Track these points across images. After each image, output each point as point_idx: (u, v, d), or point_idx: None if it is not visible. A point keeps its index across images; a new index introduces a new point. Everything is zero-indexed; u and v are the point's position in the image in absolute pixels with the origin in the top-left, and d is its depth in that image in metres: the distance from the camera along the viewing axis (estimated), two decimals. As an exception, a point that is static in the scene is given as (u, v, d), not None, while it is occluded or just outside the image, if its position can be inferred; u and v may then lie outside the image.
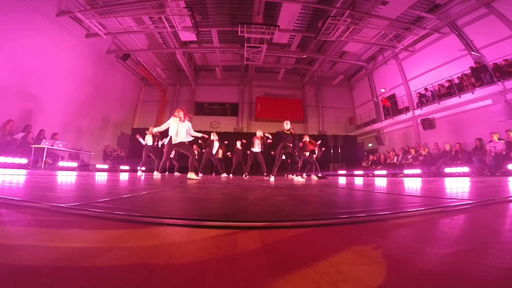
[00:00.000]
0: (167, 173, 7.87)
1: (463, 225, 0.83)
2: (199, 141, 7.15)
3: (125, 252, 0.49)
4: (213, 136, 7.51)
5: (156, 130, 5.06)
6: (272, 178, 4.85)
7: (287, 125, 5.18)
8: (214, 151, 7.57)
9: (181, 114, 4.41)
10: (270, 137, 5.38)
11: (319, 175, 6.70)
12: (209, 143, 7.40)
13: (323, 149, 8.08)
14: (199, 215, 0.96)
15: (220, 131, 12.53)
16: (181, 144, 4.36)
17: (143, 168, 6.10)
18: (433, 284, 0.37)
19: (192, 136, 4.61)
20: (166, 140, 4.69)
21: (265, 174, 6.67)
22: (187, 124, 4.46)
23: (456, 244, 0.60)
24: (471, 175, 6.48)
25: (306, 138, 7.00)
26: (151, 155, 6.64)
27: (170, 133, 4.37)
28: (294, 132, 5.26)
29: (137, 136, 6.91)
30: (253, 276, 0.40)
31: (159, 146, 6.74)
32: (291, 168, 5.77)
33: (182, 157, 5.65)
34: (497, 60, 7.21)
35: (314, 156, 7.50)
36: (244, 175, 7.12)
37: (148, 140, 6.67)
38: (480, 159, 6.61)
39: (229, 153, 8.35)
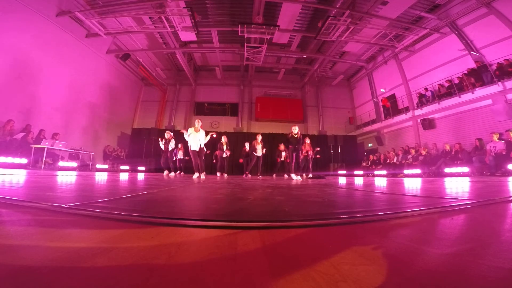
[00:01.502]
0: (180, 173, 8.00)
1: (463, 225, 0.83)
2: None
3: (125, 252, 0.49)
4: (223, 139, 8.20)
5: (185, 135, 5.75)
6: (294, 177, 5.35)
7: (295, 130, 5.78)
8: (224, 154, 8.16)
9: (197, 124, 5.46)
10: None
11: (310, 175, 6.88)
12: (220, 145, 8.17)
13: (318, 156, 8.24)
14: (199, 215, 0.96)
15: (220, 131, 12.57)
16: (194, 151, 5.42)
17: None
18: (433, 284, 0.37)
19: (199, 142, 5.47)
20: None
21: (258, 173, 7.37)
22: (199, 134, 5.44)
23: (456, 244, 0.60)
24: (471, 175, 6.48)
25: (307, 140, 7.46)
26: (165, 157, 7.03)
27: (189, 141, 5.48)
28: (300, 136, 5.90)
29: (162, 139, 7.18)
30: (254, 276, 0.40)
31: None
32: (294, 168, 6.20)
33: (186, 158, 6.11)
34: (497, 60, 7.21)
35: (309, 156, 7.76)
36: (244, 175, 7.45)
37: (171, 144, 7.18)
38: (480, 159, 6.60)
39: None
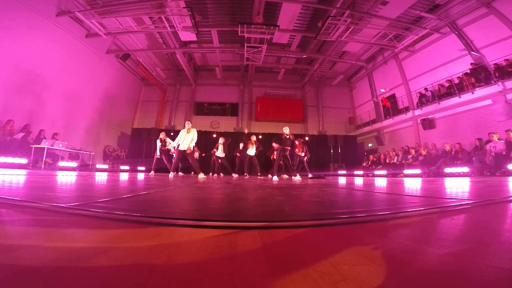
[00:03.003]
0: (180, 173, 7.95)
1: (463, 225, 0.83)
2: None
3: (125, 252, 0.49)
4: (220, 140, 8.25)
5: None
6: (275, 178, 5.04)
7: (286, 130, 5.63)
8: (219, 154, 8.21)
9: (188, 125, 5.65)
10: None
11: (310, 175, 6.84)
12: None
13: (307, 157, 8.10)
14: (199, 215, 0.96)
15: (220, 131, 12.59)
16: (183, 151, 5.54)
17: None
18: (433, 284, 0.37)
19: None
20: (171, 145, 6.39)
21: (259, 174, 7.26)
22: (190, 135, 5.59)
23: (456, 244, 0.60)
24: (471, 175, 6.48)
25: (296, 142, 7.34)
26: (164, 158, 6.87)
27: (178, 141, 5.64)
28: (292, 137, 5.73)
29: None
30: (253, 276, 0.40)
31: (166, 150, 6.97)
32: (285, 168, 6.14)
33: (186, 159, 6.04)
34: (497, 60, 7.21)
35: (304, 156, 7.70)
36: (245, 175, 7.46)
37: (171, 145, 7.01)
38: (480, 159, 6.60)
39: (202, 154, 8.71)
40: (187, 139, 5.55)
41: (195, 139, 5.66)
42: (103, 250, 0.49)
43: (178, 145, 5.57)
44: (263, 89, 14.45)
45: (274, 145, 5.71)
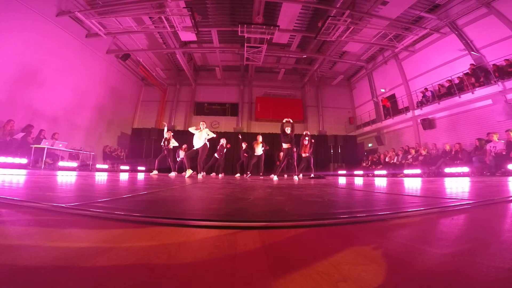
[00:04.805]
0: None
1: (463, 225, 0.83)
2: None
3: (125, 252, 0.49)
4: (222, 141, 8.37)
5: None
6: (275, 177, 5.05)
7: (287, 130, 5.54)
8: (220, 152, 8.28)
9: (201, 125, 5.80)
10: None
11: (312, 175, 6.81)
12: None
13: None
14: (199, 215, 0.96)
15: (220, 131, 12.58)
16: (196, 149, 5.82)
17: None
18: (433, 284, 0.37)
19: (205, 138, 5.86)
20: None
21: (260, 174, 7.04)
22: (202, 133, 5.78)
23: (456, 244, 0.60)
24: (471, 175, 6.48)
25: (305, 141, 7.20)
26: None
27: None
28: (293, 136, 5.60)
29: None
30: (253, 276, 0.40)
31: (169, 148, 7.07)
32: (288, 168, 6.11)
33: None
34: (497, 60, 7.21)
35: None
36: (246, 175, 7.46)
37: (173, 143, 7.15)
38: (480, 159, 6.60)
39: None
40: (201, 139, 5.74)
41: (211, 134, 5.93)
42: (103, 250, 0.49)
43: (182, 147, 5.73)
44: (263, 89, 14.45)
45: (284, 145, 5.60)
